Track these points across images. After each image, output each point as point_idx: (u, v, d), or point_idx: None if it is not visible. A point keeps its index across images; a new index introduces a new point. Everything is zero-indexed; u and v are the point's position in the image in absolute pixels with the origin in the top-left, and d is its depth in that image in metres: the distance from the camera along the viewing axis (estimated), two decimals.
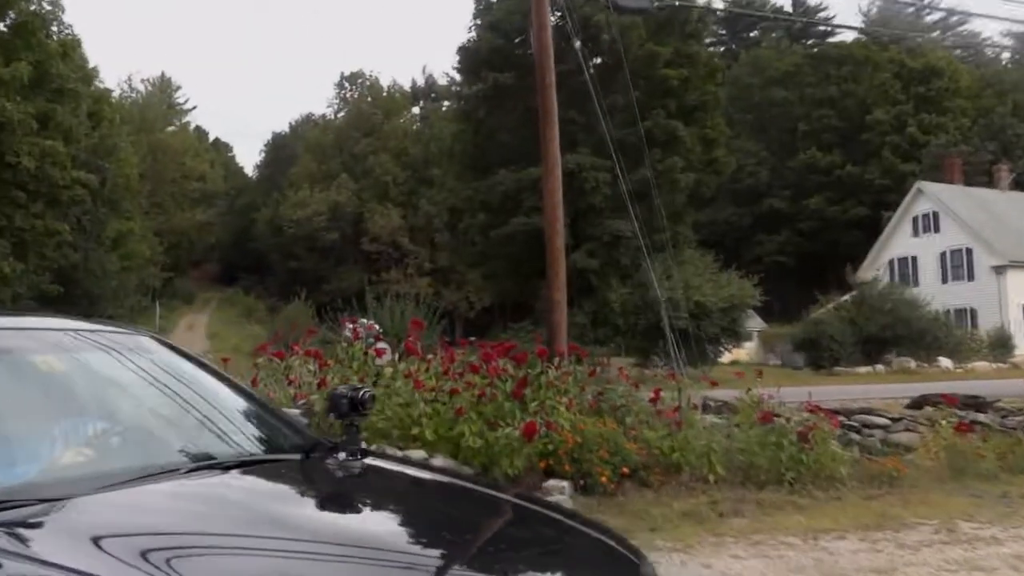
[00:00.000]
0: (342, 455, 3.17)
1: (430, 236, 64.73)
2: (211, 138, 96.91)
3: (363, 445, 3.25)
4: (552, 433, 8.80)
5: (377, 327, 11.06)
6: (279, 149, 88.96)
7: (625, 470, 8.79)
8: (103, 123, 48.62)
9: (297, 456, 3.13)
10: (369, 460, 3.22)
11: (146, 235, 59.58)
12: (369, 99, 79.36)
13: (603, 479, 8.62)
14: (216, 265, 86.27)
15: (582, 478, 8.68)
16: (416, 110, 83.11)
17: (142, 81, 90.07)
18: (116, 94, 71.28)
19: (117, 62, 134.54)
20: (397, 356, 9.93)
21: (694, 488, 8.89)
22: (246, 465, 2.90)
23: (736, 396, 10.59)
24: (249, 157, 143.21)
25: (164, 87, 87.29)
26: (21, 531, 2.21)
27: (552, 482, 8.51)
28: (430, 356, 9.88)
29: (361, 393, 3.28)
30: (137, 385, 3.19)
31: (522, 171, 39.08)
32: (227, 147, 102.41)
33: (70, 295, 41.55)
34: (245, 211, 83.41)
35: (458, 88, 52.91)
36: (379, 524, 2.72)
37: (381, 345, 10.22)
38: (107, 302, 46.17)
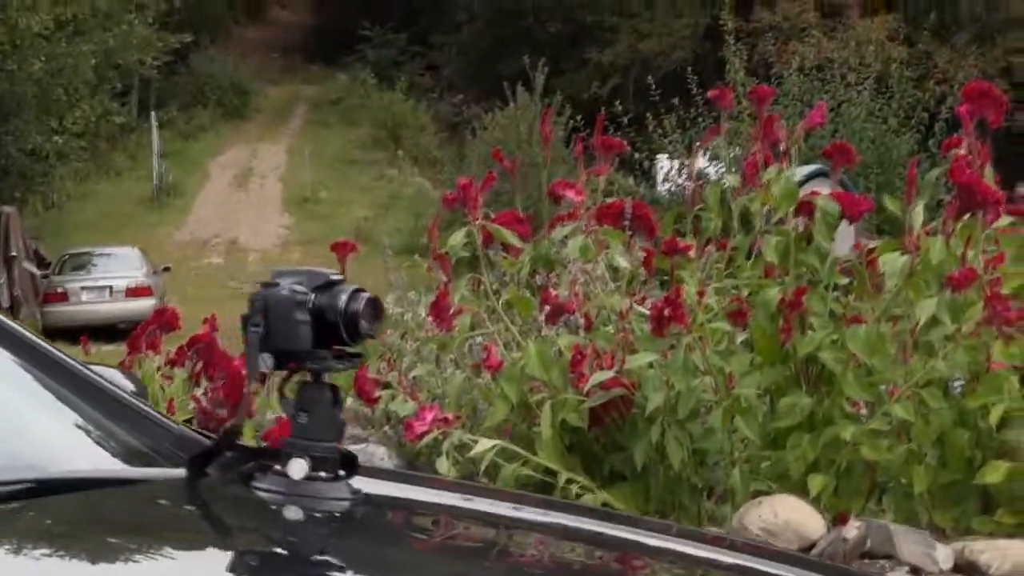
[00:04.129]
0: (298, 465, 1.24)
1: None
2: None
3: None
4: None
5: None
6: None
7: None
8: None
9: (172, 472, 1.32)
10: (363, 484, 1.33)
11: None
12: None
13: None
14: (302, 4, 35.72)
15: None
16: None
17: None
18: None
19: None
20: None
21: None
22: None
23: None
24: None
25: None
26: None
27: None
28: None
29: (346, 296, 1.27)
30: None
31: None
32: None
33: None
34: None
35: None
36: None
37: None
38: (25, 110, 19.85)
